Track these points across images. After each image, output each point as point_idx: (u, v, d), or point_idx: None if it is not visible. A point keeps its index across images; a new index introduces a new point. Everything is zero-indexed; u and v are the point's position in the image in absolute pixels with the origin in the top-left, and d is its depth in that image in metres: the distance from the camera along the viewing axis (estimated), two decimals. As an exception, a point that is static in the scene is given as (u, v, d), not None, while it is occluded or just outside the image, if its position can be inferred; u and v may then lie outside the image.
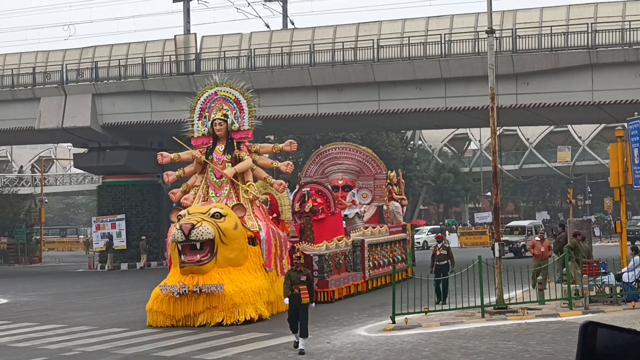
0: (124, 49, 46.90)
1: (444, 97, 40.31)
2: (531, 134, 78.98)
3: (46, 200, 68.36)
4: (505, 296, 22.41)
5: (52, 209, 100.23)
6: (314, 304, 17.13)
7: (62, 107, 46.58)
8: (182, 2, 50.14)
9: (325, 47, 42.10)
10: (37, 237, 63.90)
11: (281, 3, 54.87)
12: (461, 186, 77.85)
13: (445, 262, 24.03)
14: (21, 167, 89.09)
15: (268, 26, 51.21)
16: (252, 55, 43.22)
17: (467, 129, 78.15)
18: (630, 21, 37.00)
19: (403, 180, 36.59)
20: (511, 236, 48.09)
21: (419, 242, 60.33)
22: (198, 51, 44.96)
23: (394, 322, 20.02)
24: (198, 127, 24.51)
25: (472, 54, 38.91)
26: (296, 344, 16.18)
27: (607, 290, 22.64)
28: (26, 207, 64.43)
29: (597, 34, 37.10)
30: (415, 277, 25.78)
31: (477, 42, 38.73)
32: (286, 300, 16.91)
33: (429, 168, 78.89)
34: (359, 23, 42.80)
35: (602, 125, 69.17)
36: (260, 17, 79.71)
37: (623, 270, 22.94)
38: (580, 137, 77.80)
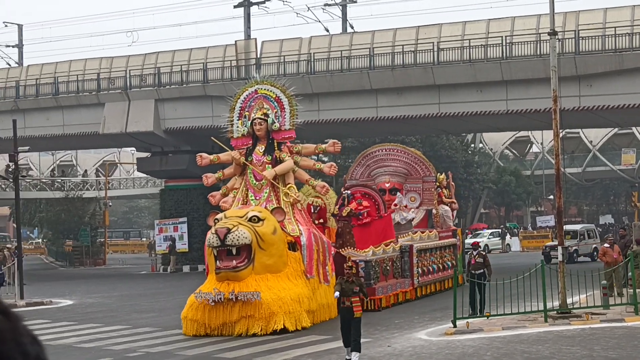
0: (186, 54, 47.48)
1: (505, 100, 39.97)
2: (594, 136, 77.80)
3: (110, 204, 69.47)
4: (569, 300, 22.14)
5: (115, 212, 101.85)
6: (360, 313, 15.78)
7: (125, 112, 47.37)
8: (242, 8, 50.68)
9: (385, 51, 42.04)
10: (102, 240, 65.02)
11: (340, 7, 55.08)
12: (523, 189, 76.94)
13: (482, 270, 22.09)
14: (85, 171, 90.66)
15: (327, 30, 51.50)
16: (312, 60, 43.38)
17: (529, 132, 77.24)
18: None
19: (453, 183, 35.64)
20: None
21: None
22: (258, 56, 45.31)
23: (455, 326, 19.94)
24: (238, 127, 23.71)
25: (534, 56, 38.51)
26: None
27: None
28: (90, 210, 65.62)
29: (663, 33, 36.47)
30: (466, 284, 25.44)
31: (539, 44, 38.31)
32: (336, 294, 16.23)
33: (490, 171, 78.16)
34: (418, 26, 42.64)
35: (668, 127, 67.81)
36: (319, 21, 79.34)
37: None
38: (645, 140, 76.45)
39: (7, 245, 53.85)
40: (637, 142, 77.75)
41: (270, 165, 22.93)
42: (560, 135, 23.84)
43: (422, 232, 29.69)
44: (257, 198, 22.66)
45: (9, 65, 64.60)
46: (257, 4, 52.34)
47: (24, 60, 66.71)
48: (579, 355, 15.84)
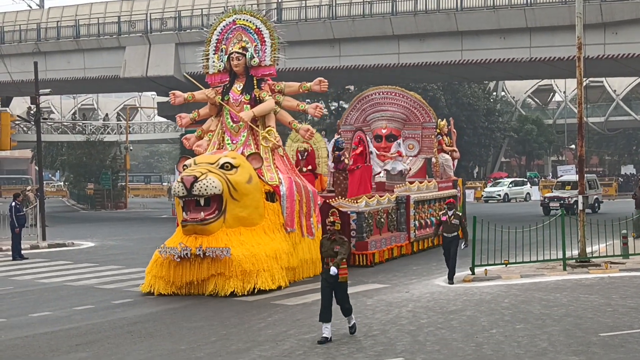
0: (203, 0, 47.22)
1: (529, 47, 39.64)
2: (618, 85, 77.09)
3: (131, 148, 69.86)
4: (588, 250, 22.13)
5: (136, 157, 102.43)
6: (334, 270, 12.96)
7: (146, 56, 47.32)
8: (264, -49, 50.08)
9: (408, -4, 41.66)
10: (122, 184, 65.46)
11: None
12: (544, 138, 76.60)
13: (455, 233, 18.86)
14: (106, 115, 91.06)
15: (350, -26, 50.80)
16: (334, 4, 43.07)
17: (552, 80, 76.70)
18: None
19: (455, 130, 32.59)
20: (562, 191, 44.50)
21: (499, 195, 59.88)
22: (280, 0, 44.97)
23: (473, 274, 20.01)
24: (214, 61, 21.14)
25: (559, 2, 38.10)
26: (324, 340, 12.65)
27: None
28: (112, 154, 65.94)
29: (692, -19, 35.88)
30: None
31: (564, -10, 37.83)
32: (332, 270, 12.99)
33: (511, 120, 77.78)
34: (442, -29, 42.12)
35: (694, 77, 67.02)
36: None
37: None
38: (670, 90, 75.68)
39: (29, 188, 54.42)
40: (661, 92, 76.91)
41: (248, 106, 20.48)
42: (584, 84, 23.59)
43: (420, 182, 27.49)
44: (234, 142, 20.33)
45: (30, 7, 64.57)
46: (279, -53, 51.73)
47: (45, 2, 66.51)
48: (597, 304, 15.86)
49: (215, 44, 21.22)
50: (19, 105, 77.42)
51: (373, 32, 41.96)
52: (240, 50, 20.63)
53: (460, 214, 20.04)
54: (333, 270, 12.80)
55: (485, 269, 20.25)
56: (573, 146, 76.93)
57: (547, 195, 45.92)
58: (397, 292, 18.18)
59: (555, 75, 58.63)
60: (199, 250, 17.57)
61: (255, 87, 20.70)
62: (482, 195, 61.25)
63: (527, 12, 38.70)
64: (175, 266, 17.78)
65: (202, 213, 17.83)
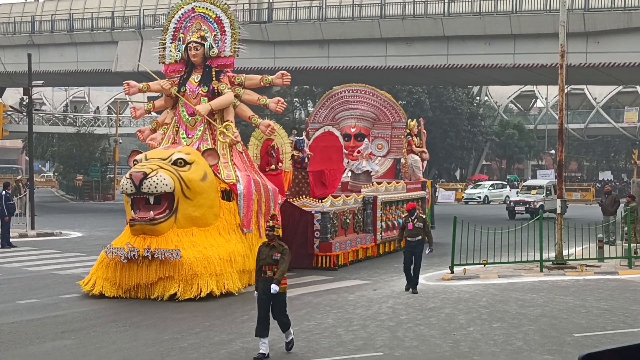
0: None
1: (513, 54, 39.76)
2: (599, 93, 77.48)
3: (120, 141, 69.59)
4: (565, 252, 22.25)
5: (125, 150, 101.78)
6: (276, 288, 11.49)
7: (138, 51, 47.14)
8: (257, -48, 49.99)
9: (396, 0, 41.70)
10: (111, 176, 65.24)
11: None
12: (525, 143, 76.89)
13: (419, 237, 17.58)
14: (97, 108, 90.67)
15: (340, -23, 50.83)
16: (324, 6, 43.09)
17: (534, 87, 77.00)
18: None
19: (425, 131, 31.24)
20: (528, 195, 43.80)
21: (479, 197, 60.03)
22: (270, 0, 44.92)
23: (452, 272, 20.09)
24: (170, 51, 19.51)
25: (543, 10, 38.24)
26: (261, 356, 11.24)
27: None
28: (101, 146, 65.79)
29: (672, -6, 36.12)
30: (436, 241, 24.85)
31: (548, 0, 37.98)
32: (255, 294, 11.93)
33: (493, 124, 78.04)
34: (430, -23, 42.22)
35: (672, 88, 67.43)
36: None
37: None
38: (648, 99, 76.16)
39: (19, 177, 54.18)
40: (640, 101, 77.37)
41: (206, 98, 18.80)
42: (565, 91, 23.69)
43: (388, 183, 26.17)
44: (189, 136, 18.70)
45: (25, 0, 64.15)
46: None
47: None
48: (571, 305, 15.96)
49: (172, 33, 19.54)
50: (12, 96, 77.07)
51: (362, 35, 42.00)
52: (199, 40, 18.95)
53: (424, 217, 18.66)
54: (274, 288, 11.41)
55: (464, 268, 20.32)
56: (553, 151, 77.24)
57: (513, 199, 45.27)
58: (380, 288, 18.23)
59: (537, 81, 58.87)
60: (147, 251, 16.06)
61: (214, 78, 19.00)
62: (463, 197, 61.41)
63: (512, 19, 38.82)
64: (122, 268, 16.30)
65: (151, 212, 16.33)
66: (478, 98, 77.00)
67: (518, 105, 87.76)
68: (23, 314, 15.03)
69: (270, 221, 12.24)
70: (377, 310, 15.35)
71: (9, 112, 53.58)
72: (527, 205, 41.56)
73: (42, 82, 39.38)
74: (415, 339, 12.81)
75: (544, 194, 42.85)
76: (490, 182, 66.35)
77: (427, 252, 17.80)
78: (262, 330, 11.32)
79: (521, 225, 22.29)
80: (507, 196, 62.10)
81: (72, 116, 76.72)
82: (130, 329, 13.74)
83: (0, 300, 16.39)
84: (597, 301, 16.43)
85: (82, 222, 37.34)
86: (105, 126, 75.81)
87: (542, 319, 14.43)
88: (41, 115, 74.47)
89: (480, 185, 63.87)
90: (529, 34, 38.58)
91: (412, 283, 17.43)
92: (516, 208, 42.20)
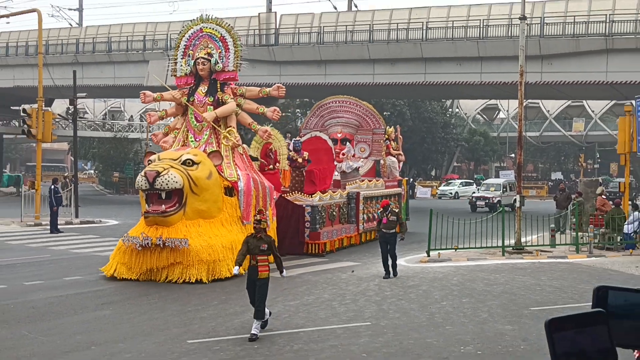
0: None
1: (480, 73, 39.77)
2: (551, 106, 77.48)
3: (150, 144, 69.37)
4: (523, 239, 22.28)
5: (155, 150, 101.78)
6: (284, 273, 11.94)
7: (165, 68, 46.92)
8: (266, -14, 50.01)
9: (382, 27, 41.71)
10: (142, 174, 64.93)
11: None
12: (489, 148, 76.77)
13: (393, 230, 16.81)
14: (131, 116, 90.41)
15: (335, 8, 50.91)
16: (322, 32, 43.03)
17: (498, 100, 76.91)
18: (643, 13, 35.96)
19: (401, 137, 30.80)
20: (487, 192, 42.97)
21: (451, 193, 59.91)
22: (277, 27, 44.88)
23: (429, 256, 20.12)
24: (181, 65, 19.16)
25: (506, 37, 38.21)
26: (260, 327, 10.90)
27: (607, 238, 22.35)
28: (134, 149, 65.60)
29: (613, 23, 36.13)
30: (409, 232, 23.69)
31: (510, 27, 37.99)
32: (235, 269, 11.89)
33: (463, 132, 77.90)
34: (411, 8, 42.23)
35: (613, 102, 67.49)
36: (329, 0, 79.18)
37: (625, 223, 22.56)
38: (593, 111, 76.16)
39: (65, 174, 54.05)
40: (586, 113, 77.41)
41: (211, 107, 18.53)
42: (524, 104, 23.70)
43: (370, 181, 25.72)
44: (197, 140, 18.35)
45: (71, 25, 64.04)
46: (278, -17, 51.67)
47: (83, 21, 66.08)
48: (528, 284, 15.99)
49: (183, 49, 19.21)
50: (59, 106, 76.67)
51: (353, 56, 41.97)
52: (206, 56, 18.66)
53: (397, 211, 17.64)
54: (236, 269, 11.64)
55: (439, 253, 20.37)
56: (513, 155, 77.14)
57: (474, 194, 44.59)
58: (367, 269, 18.24)
59: (500, 96, 58.83)
60: (159, 240, 15.78)
61: (219, 90, 18.69)
62: (437, 193, 61.32)
63: (479, 44, 38.81)
64: (137, 254, 15.99)
65: (163, 206, 16.03)
66: (450, 110, 76.88)
67: (484, 116, 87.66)
68: (68, 289, 15.02)
69: (257, 216, 11.80)
70: (366, 287, 15.36)
71: (57, 120, 53.38)
72: (487, 200, 41.18)
73: (84, 94, 39.33)
74: (397, 311, 12.83)
75: (501, 191, 42.52)
76: (460, 181, 66.18)
77: (399, 239, 17.21)
78: (256, 314, 10.84)
79: (486, 217, 22.35)
80: (474, 192, 62.03)
81: (109, 123, 76.50)
82: (159, 302, 13.74)
83: (50, 277, 16.39)
84: (550, 280, 16.48)
85: (118, 212, 37.28)
86: (137, 132, 75.47)
87: (504, 295, 14.46)
88: (84, 122, 74.09)
89: (451, 183, 63.74)
90: (494, 56, 38.59)
91: (390, 270, 16.66)
92: (477, 202, 41.77)
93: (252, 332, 10.61)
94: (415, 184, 61.71)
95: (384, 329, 11.49)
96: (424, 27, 40.38)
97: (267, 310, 11.09)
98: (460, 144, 75.61)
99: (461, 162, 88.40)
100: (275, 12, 46.32)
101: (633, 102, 24.89)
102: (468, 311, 12.85)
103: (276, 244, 14.74)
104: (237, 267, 11.66)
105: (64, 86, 46.18)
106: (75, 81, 36.40)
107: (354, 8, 51.93)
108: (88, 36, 52.01)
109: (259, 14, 45.85)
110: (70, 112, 42.47)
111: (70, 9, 66.88)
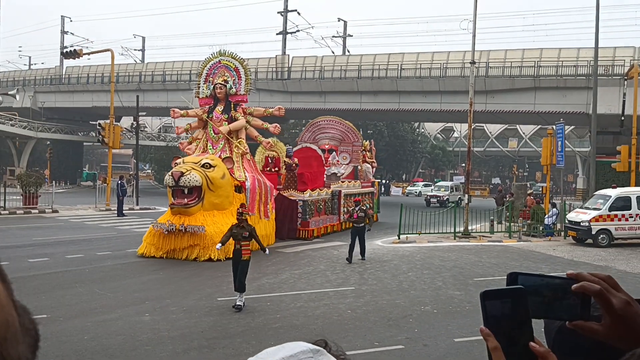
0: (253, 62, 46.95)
1: (440, 103, 39.72)
2: (493, 128, 77.45)
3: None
4: (470, 227, 22.27)
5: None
6: (267, 251, 11.22)
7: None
8: (281, 36, 49.98)
9: (368, 67, 41.66)
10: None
11: (342, 38, 54.29)
12: (446, 159, 76.77)
13: (362, 224, 15.65)
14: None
15: (333, 52, 50.78)
16: (322, 70, 42.99)
17: (453, 123, 76.90)
18: (562, 61, 35.99)
19: (374, 148, 30.17)
20: (439, 192, 42.79)
21: (416, 192, 59.72)
22: (289, 66, 44.83)
23: (399, 238, 20.09)
24: (203, 89, 18.76)
25: (459, 76, 38.18)
26: (238, 307, 9.85)
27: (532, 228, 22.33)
28: (183, 154, 65.40)
29: (540, 68, 36.13)
30: (381, 222, 24.30)
31: (463, 69, 37.96)
32: (218, 246, 11.36)
33: (427, 147, 77.81)
34: (389, 53, 42.23)
35: (539, 126, 67.47)
36: (328, 46, 79.18)
37: (546, 217, 22.57)
38: (524, 133, 76.20)
39: (130, 173, 53.93)
40: (519, 134, 77.43)
41: (226, 122, 18.13)
42: (472, 126, 23.69)
43: (349, 182, 25.09)
44: (214, 148, 17.90)
45: (135, 61, 63.96)
46: (290, 33, 51.59)
47: (145, 59, 65.98)
48: (473, 261, 15.97)
49: (205, 77, 18.77)
50: (126, 121, 76.62)
51: (346, 88, 41.92)
52: (223, 82, 18.29)
53: (365, 208, 16.62)
54: (218, 246, 11.16)
55: (407, 236, 20.35)
56: (464, 164, 77.07)
57: (429, 193, 43.96)
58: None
59: (455, 120, 58.74)
60: (182, 226, 15.25)
61: (232, 109, 18.28)
62: (406, 192, 61.20)
63: (440, 81, 38.77)
64: (164, 237, 15.39)
65: (185, 199, 15.53)
66: (417, 130, 76.83)
67: (442, 135, 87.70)
68: (130, 258, 15.01)
69: (240, 209, 10.85)
70: (352, 261, 15.34)
71: (124, 132, 53.42)
72: (438, 198, 40.99)
73: (144, 113, 39.28)
74: (375, 279, 12.82)
75: (449, 191, 42.41)
76: (423, 183, 66.07)
77: (367, 230, 15.96)
78: (239, 287, 10.04)
79: (442, 211, 22.32)
80: (428, 192, 61.56)
81: (163, 135, 76.43)
82: (197, 269, 13.73)
83: (116, 249, 16.37)
84: (489, 258, 16.47)
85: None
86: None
87: (454, 269, 14.45)
88: (144, 134, 74.13)
89: (416, 185, 63.62)
90: (451, 91, 38.57)
91: (360, 253, 15.49)
92: (431, 200, 41.30)
93: (238, 303, 9.85)
94: (391, 184, 61.59)
95: (364, 292, 11.48)
96: (399, 68, 40.36)
97: (243, 299, 10.01)
98: (424, 155, 75.58)
99: (425, 169, 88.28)
100: (288, 55, 46.26)
101: (554, 126, 24.85)
102: (427, 280, 12.84)
103: (274, 230, 14.93)
104: (219, 245, 10.99)
105: (129, 107, 46.14)
106: (138, 103, 36.34)
107: (347, 53, 51.95)
108: (148, 70, 51.96)
109: (276, 56, 45.80)
110: (133, 126, 42.48)
111: (135, 49, 66.82)
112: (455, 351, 7.80)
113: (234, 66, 18.56)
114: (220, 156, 17.16)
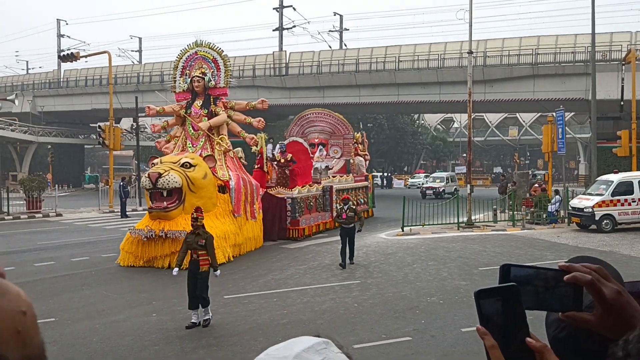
0: (242, 60, 46.88)
1: (439, 94, 39.64)
2: (493, 117, 77.30)
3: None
4: (473, 217, 22.27)
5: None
6: (218, 272, 9.20)
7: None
8: (277, 32, 49.88)
9: (365, 61, 41.58)
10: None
11: (339, 33, 54.21)
12: (447, 149, 76.69)
13: (352, 225, 13.94)
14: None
15: (330, 47, 50.68)
16: (320, 65, 42.91)
17: (452, 114, 76.80)
18: (560, 47, 35.89)
19: (367, 140, 28.81)
20: (434, 183, 41.77)
21: (419, 183, 59.72)
22: (287, 62, 44.76)
23: (403, 231, 20.09)
24: (179, 83, 17.36)
25: (458, 66, 38.09)
26: (192, 325, 8.70)
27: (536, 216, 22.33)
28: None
29: (538, 55, 36.05)
30: (376, 217, 23.70)
31: (460, 60, 37.87)
32: (174, 271, 9.32)
33: (427, 138, 77.76)
34: (386, 46, 42.09)
35: (539, 114, 67.30)
36: (325, 41, 79.00)
37: (549, 204, 22.55)
38: (524, 121, 76.06)
39: (132, 174, 53.94)
40: (519, 123, 77.30)
41: (206, 118, 16.76)
42: (472, 116, 23.65)
43: (341, 176, 24.00)
44: (194, 146, 16.57)
45: (133, 62, 63.90)
46: (287, 29, 51.47)
47: (142, 59, 65.91)
48: (477, 249, 15.98)
49: (181, 69, 17.36)
50: (126, 122, 76.69)
51: (344, 83, 41.84)
52: (200, 75, 16.89)
53: (355, 207, 14.74)
54: (175, 270, 9.31)
55: (410, 228, 20.34)
56: (465, 155, 77.05)
57: (424, 185, 42.93)
58: (356, 241, 18.13)
59: (454, 111, 58.64)
60: (162, 232, 14.01)
61: (212, 103, 16.93)
62: (408, 184, 61.07)
63: (438, 72, 38.68)
64: (143, 244, 14.10)
65: (164, 202, 14.20)
66: (417, 121, 76.74)
67: (443, 126, 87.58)
68: (135, 259, 14.97)
69: (194, 213, 9.50)
70: (356, 255, 15.34)
71: (124, 133, 53.47)
72: (434, 190, 40.24)
73: (144, 114, 39.15)
74: (380, 272, 12.84)
75: (444, 182, 41.70)
76: (424, 174, 66.06)
77: (357, 231, 14.12)
78: (192, 304, 8.84)
79: (444, 202, 22.31)
80: (423, 183, 60.59)
81: (163, 135, 76.44)
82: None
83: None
84: (493, 247, 16.47)
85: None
86: (184, 141, 75.48)
87: (459, 259, 14.46)
88: (144, 135, 74.17)
89: (417, 176, 63.59)
90: (449, 81, 38.48)
91: (348, 259, 13.68)
92: (427, 191, 40.45)
93: (206, 317, 8.79)
94: (392, 177, 61.56)
95: (370, 285, 11.50)
96: (397, 60, 40.25)
97: (210, 313, 8.96)
98: (425, 147, 75.50)
99: (426, 160, 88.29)
100: (286, 51, 46.16)
101: (554, 114, 24.82)
102: (433, 271, 12.85)
103: (262, 232, 14.29)
104: (176, 269, 9.32)
105: (128, 108, 46.14)
106: (137, 104, 36.31)
107: (344, 47, 51.84)
108: (146, 70, 51.93)
109: (273, 52, 45.71)
110: (133, 127, 42.46)
111: (132, 50, 66.71)
112: (463, 341, 7.82)
113: (212, 57, 17.10)
114: (201, 154, 15.75)
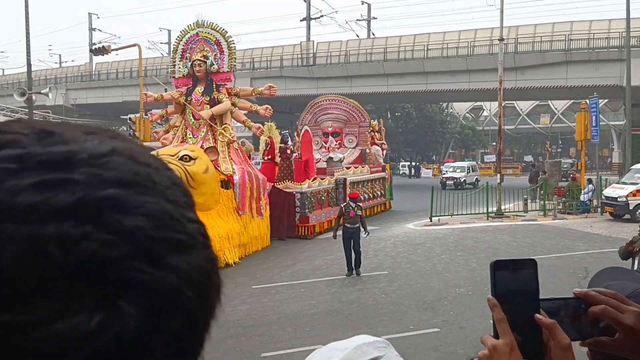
0: (269, 50, 46.90)
1: (468, 82, 39.10)
2: (523, 105, 75.96)
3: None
4: (503, 207, 21.98)
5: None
6: None
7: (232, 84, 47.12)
8: (305, 22, 49.78)
9: (394, 49, 41.25)
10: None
11: (366, 22, 53.84)
12: (477, 138, 75.75)
13: (357, 225, 11.87)
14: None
15: (358, 36, 50.39)
16: (348, 54, 42.73)
17: (482, 102, 75.73)
18: (594, 33, 35.07)
19: (384, 129, 27.20)
20: (454, 173, 39.81)
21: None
22: (315, 52, 44.68)
23: (431, 221, 19.95)
24: (179, 67, 15.90)
25: (488, 54, 37.49)
26: None
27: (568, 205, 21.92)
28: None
29: (571, 41, 35.26)
30: (393, 210, 22.70)
31: (491, 47, 37.24)
32: None
33: (456, 127, 76.89)
34: (415, 34, 41.74)
35: (571, 101, 65.92)
36: (353, 30, 78.65)
37: (582, 193, 22.09)
38: (556, 108, 74.59)
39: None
40: (551, 110, 75.85)
41: (208, 106, 15.34)
42: (502, 104, 23.28)
43: (356, 167, 22.46)
44: (195, 136, 15.29)
45: (162, 54, 64.54)
46: (314, 19, 51.34)
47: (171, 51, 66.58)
48: (507, 241, 15.78)
49: (181, 52, 15.95)
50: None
51: (372, 72, 41.59)
52: (202, 58, 15.46)
53: (361, 206, 12.94)
54: None
55: (439, 218, 20.19)
56: (494, 143, 75.96)
57: (444, 175, 40.97)
58: (384, 231, 18.12)
59: (484, 99, 57.86)
60: None
61: (215, 90, 15.50)
62: (440, 174, 60.07)
63: (467, 59, 38.14)
64: None
65: None
66: (446, 110, 75.90)
67: (472, 114, 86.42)
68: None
69: None
70: (384, 246, 15.29)
71: (154, 125, 54.30)
72: (455, 180, 38.62)
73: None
74: (408, 263, 12.77)
75: (465, 172, 40.25)
76: (453, 164, 65.21)
77: (364, 236, 12.09)
78: None
79: (474, 191, 22.04)
80: (443, 173, 58.23)
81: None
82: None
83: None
84: (524, 238, 16.25)
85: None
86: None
87: (489, 250, 14.30)
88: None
89: (446, 165, 62.80)
90: (479, 69, 37.88)
91: (355, 265, 11.72)
92: (447, 182, 38.44)
93: None
94: (420, 166, 61.00)
95: (398, 276, 11.45)
96: (425, 49, 39.83)
97: None
98: (454, 136, 74.70)
99: (455, 149, 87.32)
100: (313, 41, 46.10)
101: (587, 101, 24.26)
102: (461, 262, 12.74)
103: (269, 230, 13.86)
104: None
105: (127, 102, 46.66)
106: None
107: (372, 36, 51.49)
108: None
109: (300, 42, 45.69)
110: (163, 119, 42.96)
111: (161, 43, 67.43)
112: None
113: (214, 39, 15.62)
114: (202, 146, 14.42)
